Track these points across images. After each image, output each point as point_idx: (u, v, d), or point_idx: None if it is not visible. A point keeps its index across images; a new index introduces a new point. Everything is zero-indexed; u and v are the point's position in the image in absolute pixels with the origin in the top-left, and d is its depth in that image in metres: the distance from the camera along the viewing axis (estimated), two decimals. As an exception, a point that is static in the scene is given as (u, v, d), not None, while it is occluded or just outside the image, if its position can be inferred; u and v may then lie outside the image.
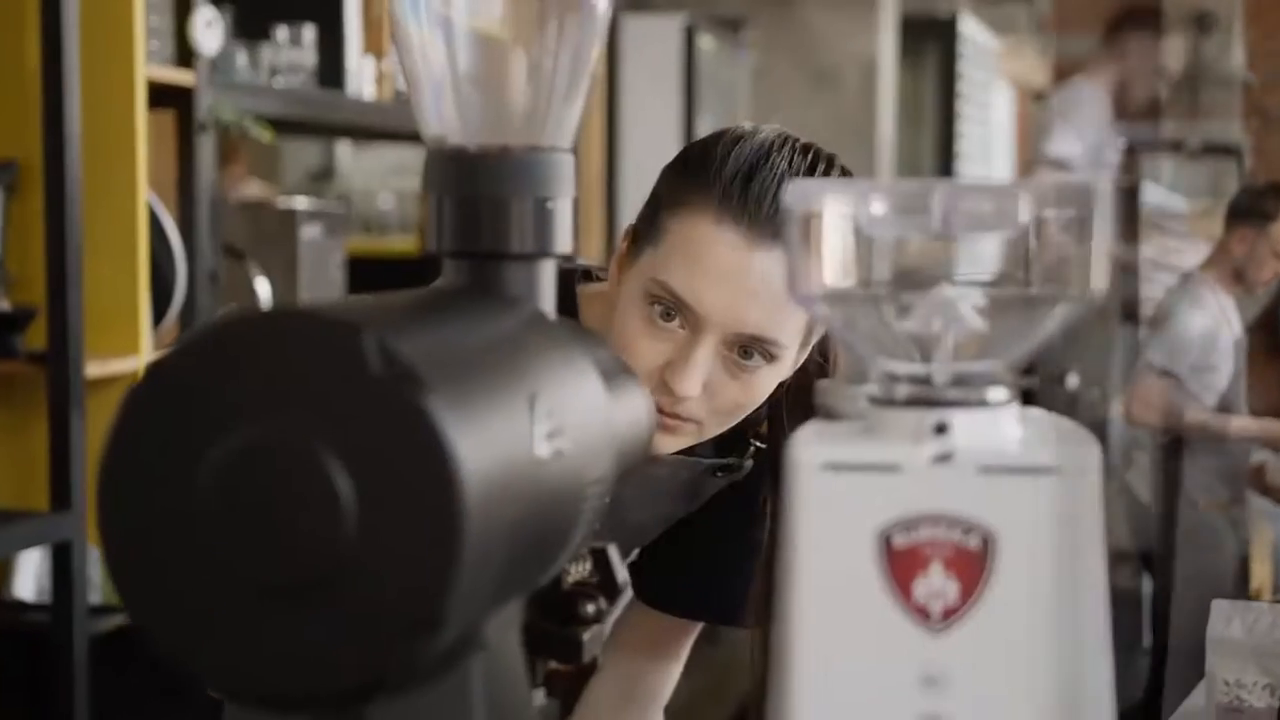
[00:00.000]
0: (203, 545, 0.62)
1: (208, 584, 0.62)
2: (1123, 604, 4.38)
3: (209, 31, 2.67)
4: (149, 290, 2.56)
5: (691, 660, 1.59)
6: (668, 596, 1.50)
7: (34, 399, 2.43)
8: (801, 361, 1.35)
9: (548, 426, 0.69)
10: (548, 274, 0.80)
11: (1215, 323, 4.27)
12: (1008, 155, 9.14)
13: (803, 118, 5.70)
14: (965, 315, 0.70)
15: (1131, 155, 4.60)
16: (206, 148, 2.71)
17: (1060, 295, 0.69)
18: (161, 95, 2.65)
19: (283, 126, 3.19)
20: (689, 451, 1.39)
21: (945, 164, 7.49)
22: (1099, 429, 4.53)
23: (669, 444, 1.31)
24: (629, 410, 0.82)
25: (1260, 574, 7.04)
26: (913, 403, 0.69)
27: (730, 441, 1.42)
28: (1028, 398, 0.73)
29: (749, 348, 1.27)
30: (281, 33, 3.05)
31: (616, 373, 0.83)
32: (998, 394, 0.70)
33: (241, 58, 2.96)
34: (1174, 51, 4.53)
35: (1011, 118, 9.30)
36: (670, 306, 1.27)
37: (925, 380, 0.70)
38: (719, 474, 1.43)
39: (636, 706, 1.51)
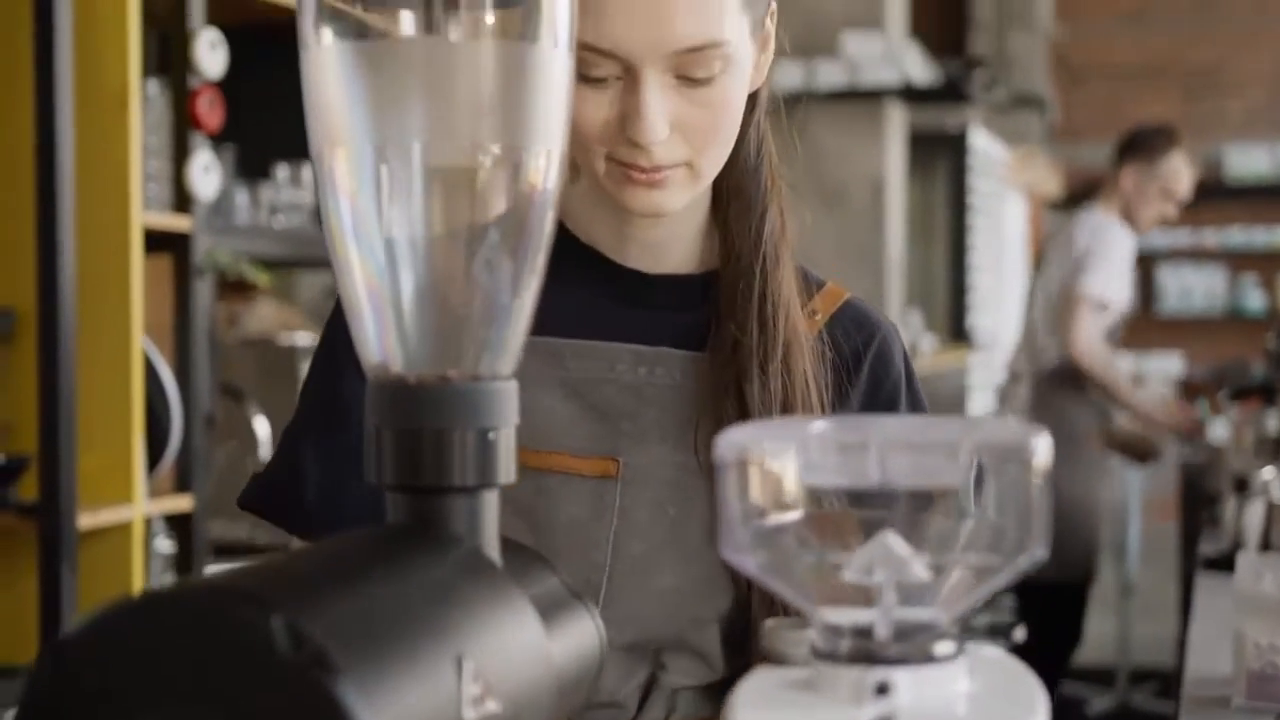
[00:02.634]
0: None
1: None
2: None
3: (206, 177, 2.68)
4: (144, 436, 2.55)
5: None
6: None
7: (25, 551, 2.41)
8: (769, 59, 1.24)
9: (477, 688, 0.67)
10: (490, 506, 0.78)
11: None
12: (1020, 264, 9.15)
13: (811, 237, 5.68)
14: (909, 565, 0.68)
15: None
16: (203, 291, 2.71)
17: (1002, 549, 0.66)
18: (159, 239, 2.66)
19: (285, 262, 3.19)
20: None
21: (958, 277, 7.49)
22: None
23: (668, 199, 1.18)
24: (572, 643, 0.80)
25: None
26: (854, 658, 0.67)
27: None
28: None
29: (694, 65, 1.13)
30: (282, 171, 3.06)
31: (559, 604, 0.80)
32: (944, 648, 0.67)
33: (242, 196, 2.96)
34: (1181, 171, 4.51)
35: (1024, 226, 9.31)
36: (591, 65, 1.13)
37: (867, 632, 0.68)
38: None
39: None
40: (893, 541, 0.68)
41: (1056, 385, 4.36)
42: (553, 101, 0.77)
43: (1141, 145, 4.41)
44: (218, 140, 2.83)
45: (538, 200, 0.79)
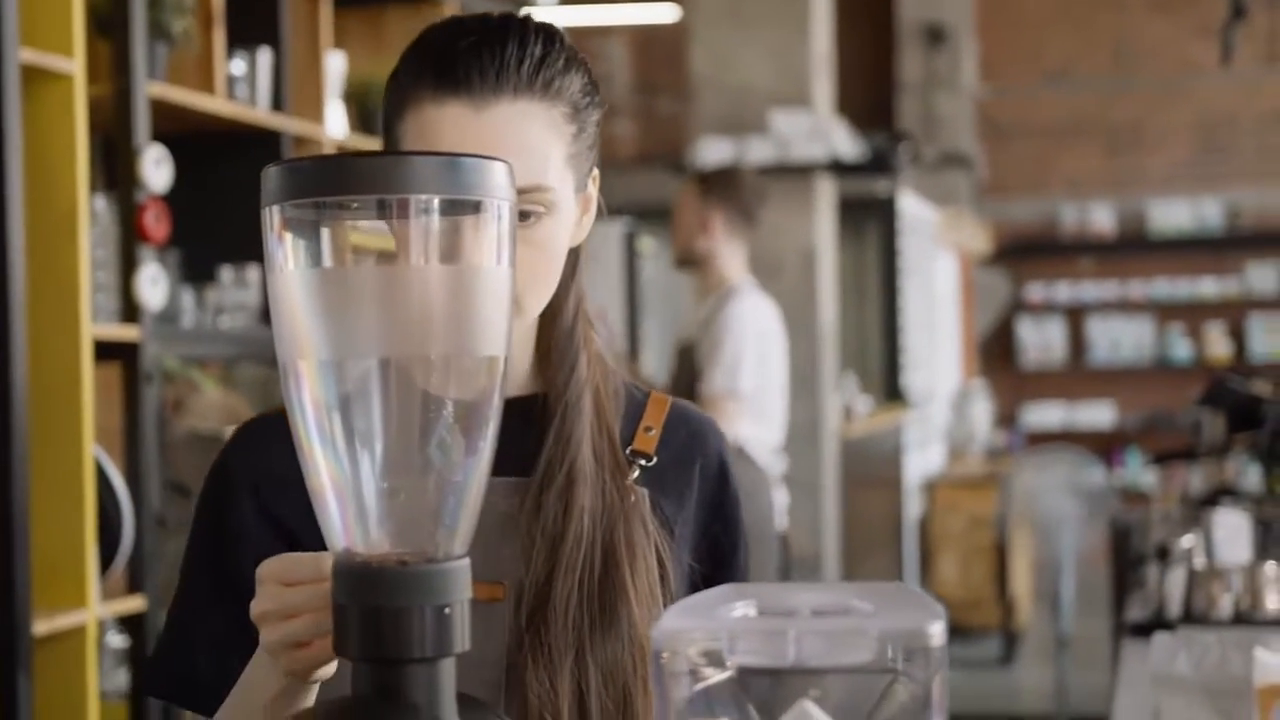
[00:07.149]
0: None
1: None
2: None
3: (154, 288, 2.75)
4: (96, 541, 2.61)
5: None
6: None
7: (-18, 659, 2.46)
8: (590, 221, 1.31)
9: None
10: (448, 672, 0.87)
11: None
12: (953, 321, 9.31)
13: (745, 308, 5.80)
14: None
15: None
16: (151, 397, 2.78)
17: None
18: (108, 348, 2.72)
19: (231, 360, 3.26)
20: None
21: (890, 337, 7.62)
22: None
23: None
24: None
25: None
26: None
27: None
28: None
29: (520, 204, 1.13)
30: (226, 273, 3.14)
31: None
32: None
33: (188, 300, 3.04)
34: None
35: (955, 284, 9.48)
36: None
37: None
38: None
39: None
40: (811, 709, 0.77)
41: None
42: (497, 312, 0.86)
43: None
44: (163, 247, 2.90)
45: (484, 397, 0.88)
